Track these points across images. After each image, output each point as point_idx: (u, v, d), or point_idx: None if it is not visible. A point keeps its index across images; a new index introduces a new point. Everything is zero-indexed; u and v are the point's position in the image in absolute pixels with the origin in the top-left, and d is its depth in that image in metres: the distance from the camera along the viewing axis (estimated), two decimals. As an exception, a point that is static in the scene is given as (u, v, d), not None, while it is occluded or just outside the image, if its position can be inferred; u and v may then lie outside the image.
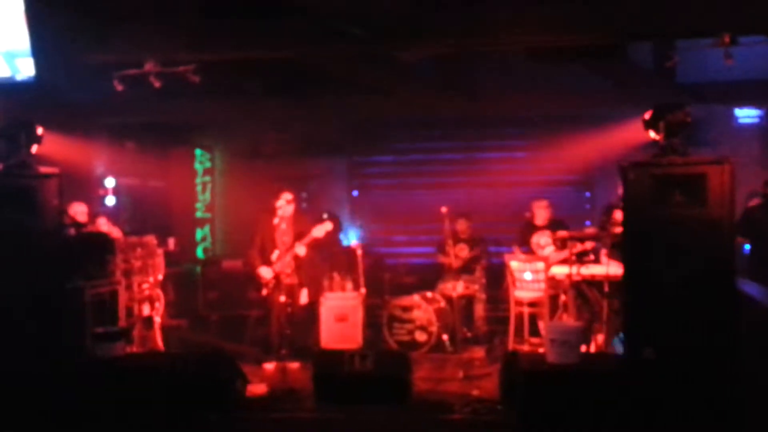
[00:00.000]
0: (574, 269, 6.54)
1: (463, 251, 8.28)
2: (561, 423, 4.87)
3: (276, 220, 6.97)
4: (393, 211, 10.41)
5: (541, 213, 7.95)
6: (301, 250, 6.87)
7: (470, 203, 9.44)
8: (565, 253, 6.71)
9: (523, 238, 7.91)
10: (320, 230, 6.84)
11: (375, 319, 8.01)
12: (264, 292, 6.93)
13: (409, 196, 10.39)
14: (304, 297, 7.15)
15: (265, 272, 6.88)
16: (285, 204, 6.95)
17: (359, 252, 7.88)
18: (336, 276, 8.15)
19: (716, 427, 4.49)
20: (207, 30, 6.10)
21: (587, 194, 10.17)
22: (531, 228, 7.92)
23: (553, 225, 7.75)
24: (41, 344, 4.98)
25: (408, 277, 8.89)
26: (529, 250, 7.76)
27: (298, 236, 6.93)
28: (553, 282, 6.97)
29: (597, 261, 6.77)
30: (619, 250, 5.90)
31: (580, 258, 6.71)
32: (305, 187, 10.26)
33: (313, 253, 7.11)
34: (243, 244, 7.61)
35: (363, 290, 7.87)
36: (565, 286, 6.69)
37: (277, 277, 6.87)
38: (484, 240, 8.51)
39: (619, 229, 6.12)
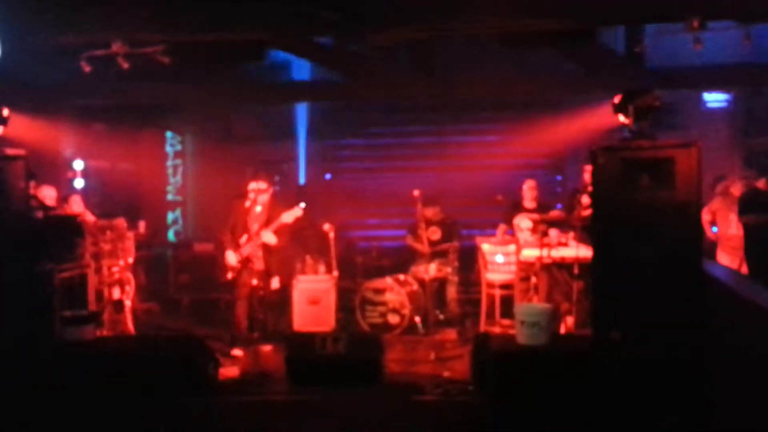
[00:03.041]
0: (545, 252, 6.60)
1: (435, 234, 8.27)
2: (531, 403, 4.91)
3: (248, 203, 6.92)
4: (366, 194, 10.43)
5: (528, 194, 7.87)
6: (268, 237, 6.80)
7: (442, 186, 9.41)
8: (538, 238, 6.75)
9: (507, 218, 7.87)
10: (289, 216, 6.77)
11: (348, 302, 7.97)
12: (229, 275, 6.85)
13: (382, 180, 10.41)
14: (275, 283, 7.11)
15: (231, 257, 6.80)
16: (259, 191, 6.92)
17: (331, 235, 7.79)
18: (308, 259, 8.10)
19: (683, 407, 4.55)
20: (176, 10, 6.02)
21: (558, 177, 10.30)
22: (517, 208, 7.85)
23: (541, 209, 7.71)
24: (9, 329, 4.91)
25: (381, 260, 8.88)
26: (513, 232, 7.74)
27: (268, 222, 6.86)
28: (524, 265, 6.97)
29: (566, 244, 6.81)
30: (588, 233, 5.95)
31: (548, 241, 6.78)
32: (278, 171, 10.29)
33: (285, 236, 7.07)
34: (215, 228, 7.55)
35: (335, 273, 7.81)
36: (536, 269, 6.71)
37: (245, 261, 6.81)
38: (456, 223, 8.51)
39: (586, 213, 6.18)
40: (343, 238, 9.04)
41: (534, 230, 7.15)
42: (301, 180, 10.31)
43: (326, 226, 7.82)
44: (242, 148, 10.04)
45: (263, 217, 6.87)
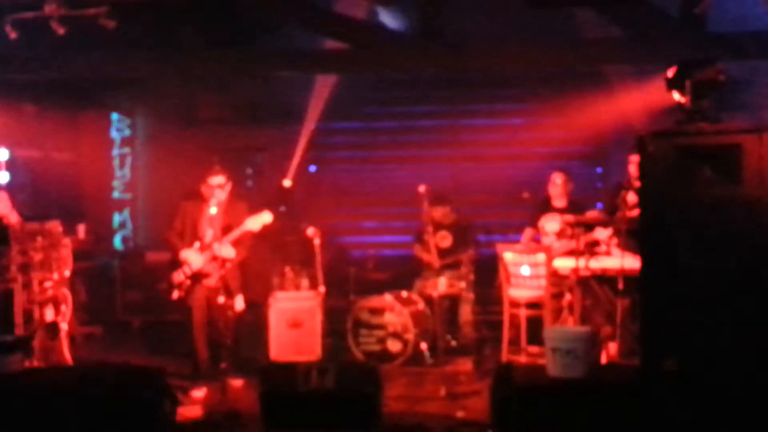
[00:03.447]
0: (582, 262, 6.61)
1: (446, 240, 8.36)
2: (564, 450, 4.85)
3: (207, 207, 7.00)
4: (360, 191, 10.49)
5: (556, 190, 7.93)
6: (225, 251, 6.81)
7: (455, 181, 9.56)
8: (570, 244, 6.79)
9: (534, 220, 7.92)
10: (255, 222, 6.81)
11: (337, 324, 8.07)
12: (174, 295, 6.96)
13: (380, 173, 10.48)
14: (239, 303, 7.15)
15: (194, 258, 6.88)
16: (215, 188, 6.90)
17: (317, 241, 7.85)
18: (288, 271, 8.19)
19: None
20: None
21: (598, 170, 10.27)
22: (545, 208, 7.91)
23: (573, 208, 7.72)
24: None
25: (378, 273, 9.02)
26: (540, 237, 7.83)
27: (227, 229, 6.90)
28: (556, 278, 7.05)
29: (609, 252, 6.86)
30: (635, 238, 5.97)
31: (590, 249, 6.79)
32: (251, 162, 10.36)
33: (257, 244, 7.21)
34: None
35: (322, 289, 7.89)
36: (571, 283, 6.78)
37: (195, 276, 6.91)
38: (472, 227, 8.59)
39: (633, 214, 6.19)
40: (332, 245, 9.19)
41: (561, 234, 7.25)
42: (284, 174, 10.39)
43: (310, 231, 7.90)
44: (207, 134, 10.06)
45: (219, 222, 6.92)
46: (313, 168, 10.74)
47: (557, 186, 7.89)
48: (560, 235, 7.33)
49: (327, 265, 8.11)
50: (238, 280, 7.07)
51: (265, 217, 6.81)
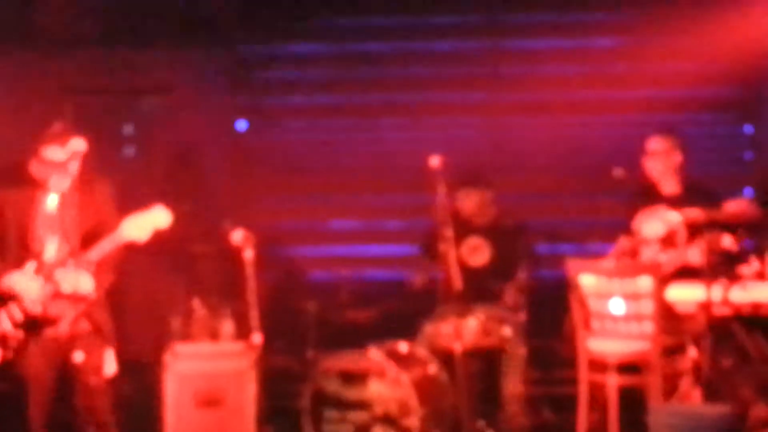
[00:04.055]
0: (718, 293, 6.47)
1: (479, 253, 8.29)
2: None
3: (43, 198, 6.57)
4: (325, 165, 10.29)
5: (655, 165, 7.72)
6: (76, 280, 6.44)
7: (495, 150, 9.69)
8: (693, 255, 6.90)
9: (630, 219, 7.82)
10: (138, 226, 6.45)
11: (285, 400, 8.00)
12: None
13: (362, 133, 10.46)
14: (109, 365, 6.70)
15: (28, 289, 6.44)
16: (56, 164, 6.49)
17: (249, 255, 7.46)
18: (198, 307, 8.12)
19: None
20: None
21: (747, 129, 10.09)
22: (646, 197, 7.80)
23: (695, 196, 7.50)
24: None
25: (358, 310, 8.81)
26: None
27: (89, 237, 6.52)
28: (671, 320, 6.88)
29: (765, 275, 6.67)
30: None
31: (729, 268, 6.68)
32: (131, 114, 10.14)
33: (146, 260, 7.42)
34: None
35: (258, 338, 7.44)
36: (699, 330, 6.67)
37: (32, 322, 6.53)
38: (524, 229, 8.46)
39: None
40: (276, 261, 9.38)
41: (668, 242, 7.31)
42: (191, 135, 10.05)
43: (237, 236, 7.51)
44: (53, 63, 9.72)
45: (70, 225, 6.66)
46: (242, 125, 10.39)
47: (657, 158, 7.72)
48: (667, 243, 7.28)
49: (267, 297, 7.78)
50: (107, 323, 6.63)
51: (158, 217, 6.43)
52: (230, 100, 10.40)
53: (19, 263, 6.52)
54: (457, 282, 7.51)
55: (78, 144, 6.50)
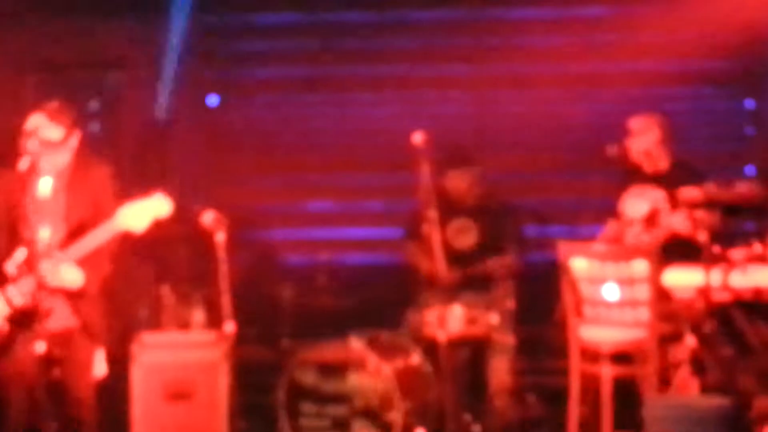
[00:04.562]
0: (717, 277, 6.41)
1: (465, 235, 8.20)
2: None
3: (35, 181, 6.46)
4: (301, 142, 10.33)
5: (642, 142, 7.73)
6: (67, 274, 6.29)
7: (481, 126, 9.73)
8: (677, 222, 7.00)
9: (616, 200, 7.91)
10: (136, 214, 6.31)
11: (259, 394, 7.94)
12: None
13: (340, 109, 10.48)
14: (100, 365, 6.67)
15: (18, 282, 6.38)
16: (45, 142, 6.34)
17: (221, 238, 7.37)
18: (167, 294, 8.11)
19: None
20: None
21: (746, 104, 10.13)
22: (631, 178, 7.84)
23: (677, 174, 7.55)
24: None
25: (336, 297, 8.82)
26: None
27: (83, 225, 6.40)
28: (669, 307, 6.84)
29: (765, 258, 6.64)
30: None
31: (731, 254, 6.58)
32: (96, 91, 10.17)
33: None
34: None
35: (230, 327, 7.36)
36: (697, 315, 6.59)
37: (19, 318, 6.41)
38: (513, 210, 8.48)
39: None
40: (250, 244, 9.39)
41: (651, 222, 7.37)
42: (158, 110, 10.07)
43: (208, 218, 7.41)
44: (14, 36, 9.60)
45: (63, 212, 6.54)
46: (214, 100, 10.42)
47: (637, 138, 7.74)
48: (650, 222, 7.34)
49: (240, 283, 7.63)
50: (98, 320, 6.55)
51: (158, 205, 6.34)
52: (200, 75, 10.45)
53: (8, 250, 6.42)
54: (442, 266, 7.53)
55: (75, 123, 6.44)
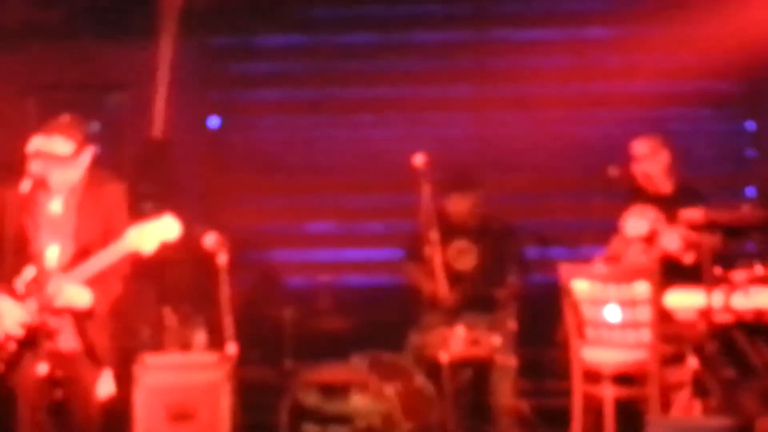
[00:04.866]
0: (719, 299, 6.43)
1: (466, 257, 8.20)
2: None
3: (45, 198, 6.29)
4: (302, 164, 10.26)
5: (646, 169, 7.77)
6: (74, 294, 6.10)
7: (482, 147, 9.66)
8: (669, 241, 7.06)
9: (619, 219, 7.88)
10: (145, 236, 6.15)
11: (261, 414, 7.85)
12: None
13: (341, 130, 10.39)
14: (107, 385, 6.48)
15: (11, 314, 6.21)
16: (54, 158, 6.18)
17: (223, 260, 7.31)
18: (169, 315, 8.09)
19: None
20: None
21: (747, 125, 10.09)
22: (635, 198, 7.77)
23: (679, 196, 7.65)
24: None
25: (338, 318, 8.80)
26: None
27: (94, 245, 6.24)
28: (671, 328, 6.91)
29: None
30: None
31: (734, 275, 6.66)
32: (97, 112, 9.92)
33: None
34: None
35: (232, 349, 7.32)
36: (699, 337, 6.60)
37: (29, 336, 6.24)
38: (514, 232, 8.45)
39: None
40: (252, 266, 9.31)
41: (651, 241, 7.33)
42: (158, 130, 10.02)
43: (210, 240, 7.36)
44: (15, 57, 9.64)
45: (73, 231, 6.36)
46: (215, 122, 10.41)
47: (644, 162, 7.74)
48: (651, 241, 7.30)
49: (242, 305, 7.66)
50: (104, 341, 6.38)
51: (167, 228, 6.18)
52: (202, 96, 10.39)
53: (17, 269, 6.27)
54: (444, 288, 7.56)
55: (86, 138, 6.33)
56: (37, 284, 6.28)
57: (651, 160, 7.74)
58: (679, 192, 7.71)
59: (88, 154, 6.35)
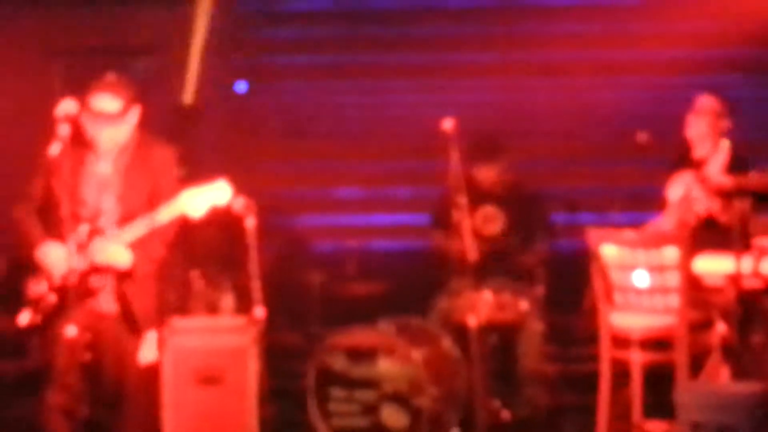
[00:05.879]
0: (748, 264, 6.41)
1: (494, 222, 8.29)
2: None
3: (95, 158, 6.44)
4: (331, 129, 10.40)
5: (701, 126, 7.60)
6: (115, 254, 6.28)
7: (511, 113, 9.66)
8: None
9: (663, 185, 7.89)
10: (196, 200, 6.34)
11: (288, 379, 8.02)
12: (24, 318, 6.40)
13: (369, 96, 10.56)
14: (149, 350, 6.74)
15: (56, 257, 6.34)
16: (103, 116, 6.29)
17: (251, 224, 7.20)
18: (197, 279, 8.12)
19: None
20: None
21: None
22: (680, 163, 7.77)
23: (733, 165, 7.52)
24: None
25: (365, 283, 8.76)
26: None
27: (144, 205, 6.40)
28: (700, 294, 6.87)
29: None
30: None
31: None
32: (134, 76, 9.73)
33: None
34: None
35: (260, 313, 7.21)
36: (727, 302, 6.61)
37: (70, 290, 6.36)
38: (542, 198, 8.59)
39: None
40: (279, 230, 9.39)
41: (684, 206, 7.34)
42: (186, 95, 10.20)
43: (238, 204, 7.16)
44: (40, 23, 9.80)
45: (125, 190, 6.52)
46: (242, 86, 10.48)
47: (703, 118, 7.62)
48: (684, 204, 7.33)
49: (269, 269, 7.63)
50: (150, 303, 6.61)
51: (219, 193, 6.39)
52: (228, 61, 10.45)
53: (71, 227, 6.36)
54: (472, 253, 7.54)
55: (134, 96, 6.39)
56: (87, 242, 6.39)
57: (712, 119, 7.65)
58: (735, 163, 7.65)
59: (136, 112, 6.41)
